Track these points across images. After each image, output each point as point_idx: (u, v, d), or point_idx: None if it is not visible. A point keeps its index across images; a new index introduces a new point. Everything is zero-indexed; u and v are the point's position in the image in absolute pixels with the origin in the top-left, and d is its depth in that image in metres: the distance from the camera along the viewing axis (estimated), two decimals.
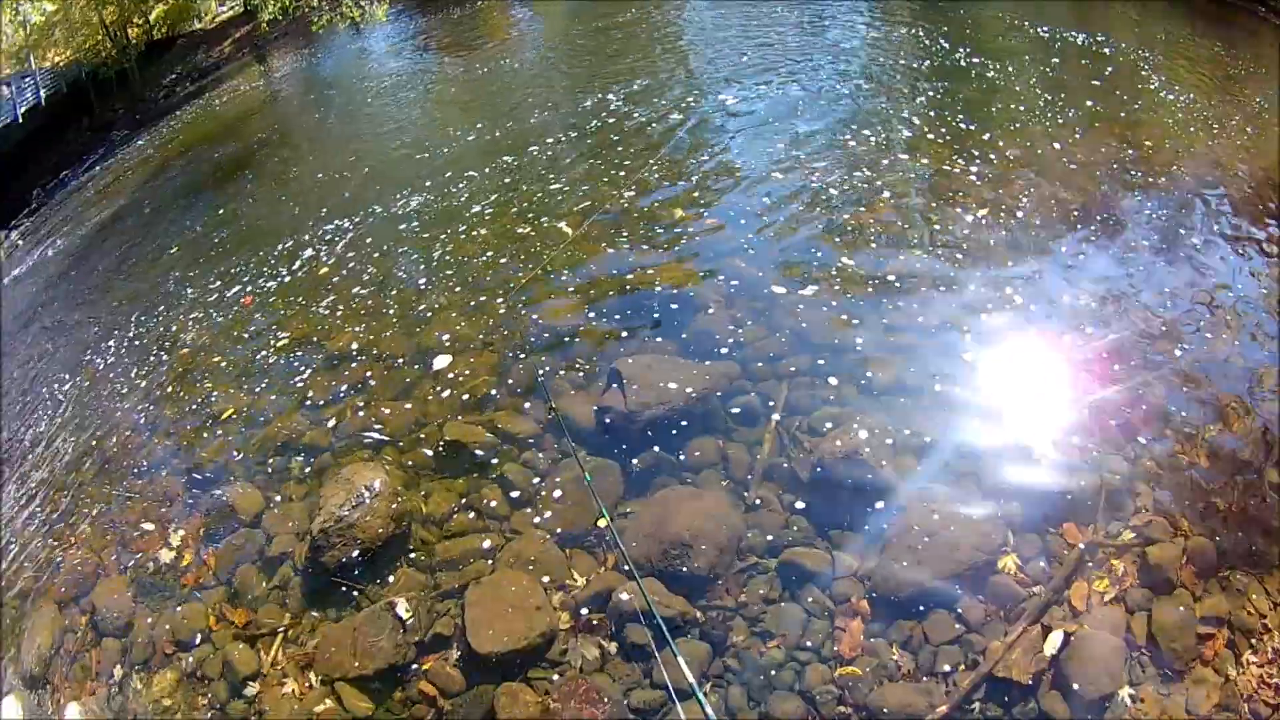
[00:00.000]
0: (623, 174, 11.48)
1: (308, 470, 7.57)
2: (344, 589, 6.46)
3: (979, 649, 5.76)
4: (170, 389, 9.22)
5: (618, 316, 8.58)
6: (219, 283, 11.25)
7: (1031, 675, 5.57)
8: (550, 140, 13.28)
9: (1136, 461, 6.77)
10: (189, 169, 17.53)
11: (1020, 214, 9.77)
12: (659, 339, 8.16)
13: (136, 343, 10.80)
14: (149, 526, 7.51)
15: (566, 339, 8.38)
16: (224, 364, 9.35)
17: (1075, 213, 9.87)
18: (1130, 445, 6.86)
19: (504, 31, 21.86)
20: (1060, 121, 12.44)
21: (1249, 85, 15.12)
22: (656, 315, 8.44)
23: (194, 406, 8.82)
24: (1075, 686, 5.48)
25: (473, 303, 9.21)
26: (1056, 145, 11.45)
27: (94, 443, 8.88)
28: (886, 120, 12.65)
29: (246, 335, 9.73)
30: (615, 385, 7.36)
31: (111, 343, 11.06)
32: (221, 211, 14.18)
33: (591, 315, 8.65)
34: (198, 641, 6.55)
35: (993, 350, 7.77)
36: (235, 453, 8.02)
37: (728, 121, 13.13)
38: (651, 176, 11.30)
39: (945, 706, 5.50)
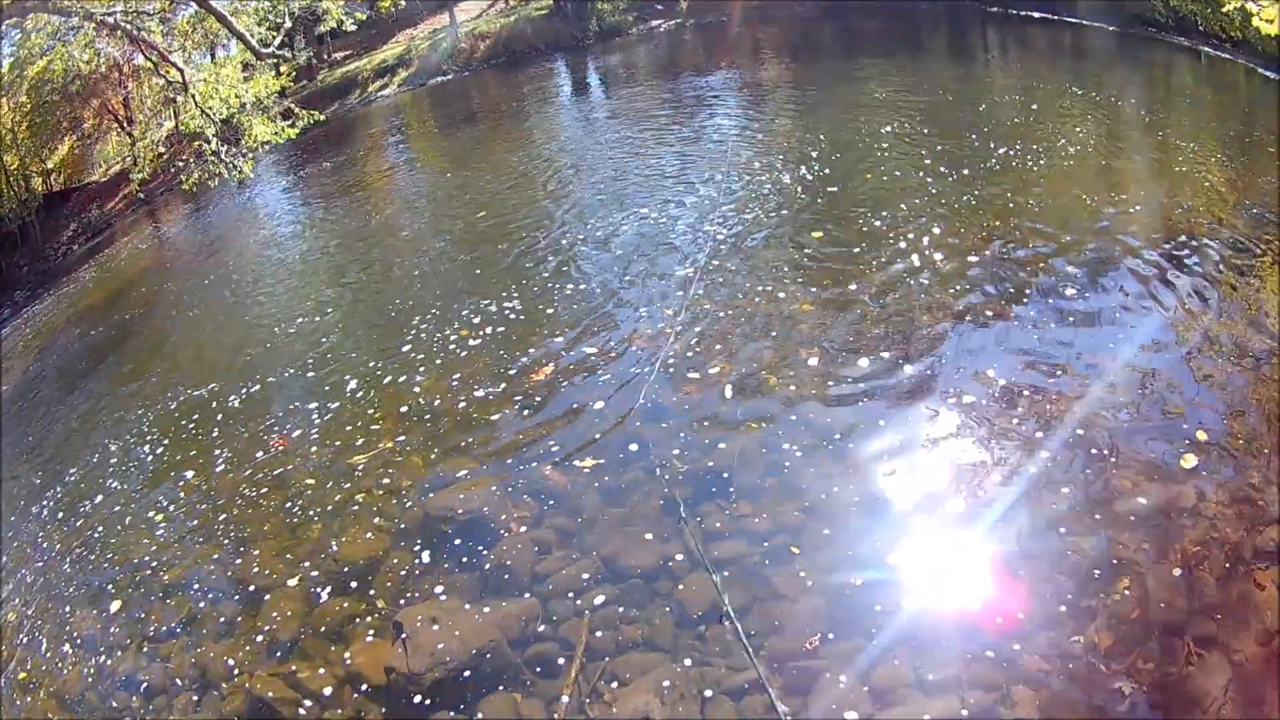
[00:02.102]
0: (449, 358, 11.26)
1: (148, 710, 7.46)
2: None
3: None
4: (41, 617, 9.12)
5: (416, 548, 8.17)
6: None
7: None
8: (395, 320, 13.02)
9: (1013, 664, 6.13)
10: (87, 338, 17.79)
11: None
12: (454, 575, 7.74)
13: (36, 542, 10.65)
14: None
15: (366, 576, 8.00)
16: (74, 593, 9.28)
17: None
18: (1004, 644, 6.26)
19: (379, 181, 22.53)
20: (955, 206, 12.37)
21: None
22: (453, 546, 8.00)
23: (62, 632, 8.75)
24: None
25: (291, 529, 8.95)
26: (939, 255, 11.13)
27: None
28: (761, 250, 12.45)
29: (98, 567, 9.57)
30: (400, 640, 6.93)
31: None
32: (115, 392, 14.29)
33: (391, 548, 8.27)
34: None
35: (831, 547, 7.25)
36: (90, 679, 7.95)
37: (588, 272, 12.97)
38: (476, 359, 11.10)
39: None
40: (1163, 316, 9.33)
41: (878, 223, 12.32)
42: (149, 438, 11.93)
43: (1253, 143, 13.87)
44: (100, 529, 10.12)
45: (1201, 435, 7.60)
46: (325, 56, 33.75)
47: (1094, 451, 7.62)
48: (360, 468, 9.51)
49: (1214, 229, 10.89)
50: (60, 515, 10.79)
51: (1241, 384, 8.25)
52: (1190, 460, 7.35)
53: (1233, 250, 10.32)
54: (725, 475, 8.08)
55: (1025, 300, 9.92)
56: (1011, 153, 14.29)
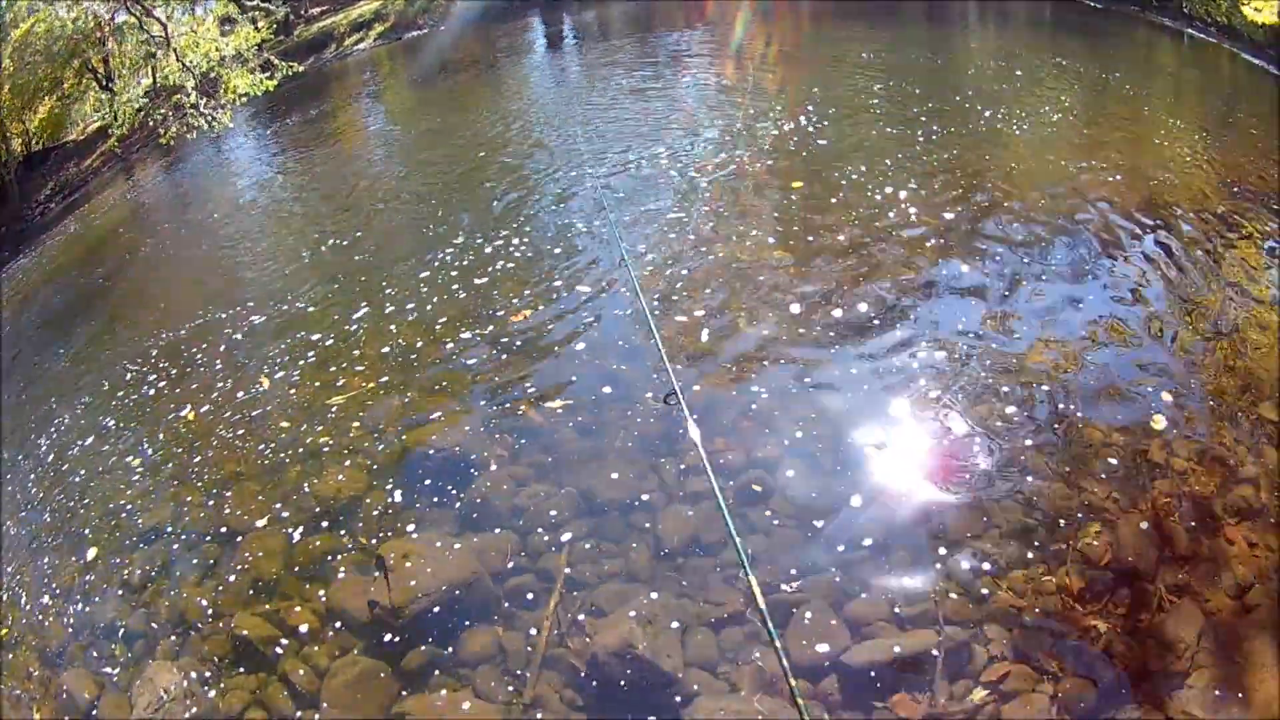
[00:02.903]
0: (431, 304, 11.25)
1: (129, 656, 7.49)
2: None
3: None
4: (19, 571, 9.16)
5: (393, 485, 8.23)
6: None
7: None
8: (377, 264, 13.11)
9: (987, 601, 6.22)
10: (63, 295, 17.74)
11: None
12: (435, 510, 7.80)
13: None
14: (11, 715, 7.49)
15: (344, 514, 8.05)
16: (58, 544, 9.27)
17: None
18: (978, 581, 6.35)
19: (359, 130, 22.56)
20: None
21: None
22: (430, 482, 8.05)
23: (41, 584, 8.78)
24: None
25: (270, 469, 9.01)
26: (915, 210, 11.23)
27: None
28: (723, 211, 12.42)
29: (74, 514, 9.58)
30: (380, 574, 7.01)
31: None
32: (102, 338, 14.32)
33: (372, 485, 8.32)
34: None
35: (803, 485, 7.34)
36: (72, 630, 7.99)
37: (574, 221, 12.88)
38: (460, 302, 11.09)
39: None
40: (1134, 281, 9.40)
41: (856, 175, 12.43)
42: (111, 390, 11.97)
43: (1234, 123, 13.94)
44: (82, 473, 10.14)
45: (1167, 396, 7.69)
46: (302, 12, 33.50)
47: (1060, 407, 7.72)
48: (338, 408, 9.52)
49: (1190, 201, 10.94)
50: (49, 461, 10.80)
51: (1210, 350, 8.34)
52: (1160, 421, 7.43)
53: (1207, 222, 10.38)
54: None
55: (999, 258, 9.98)
56: (996, 116, 14.35)
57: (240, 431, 9.75)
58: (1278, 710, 5.49)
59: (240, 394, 10.43)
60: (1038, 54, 19.06)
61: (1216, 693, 5.64)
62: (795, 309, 9.55)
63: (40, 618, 8.29)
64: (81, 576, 8.54)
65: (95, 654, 7.62)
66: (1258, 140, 12.80)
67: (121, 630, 7.73)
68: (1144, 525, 6.63)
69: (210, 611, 7.56)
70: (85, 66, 27.62)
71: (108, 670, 7.39)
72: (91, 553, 8.78)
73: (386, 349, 10.41)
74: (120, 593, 8.18)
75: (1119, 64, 17.77)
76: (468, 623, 6.76)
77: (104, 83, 27.53)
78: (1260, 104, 14.71)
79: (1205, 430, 7.46)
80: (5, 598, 8.77)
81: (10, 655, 8.02)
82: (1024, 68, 17.72)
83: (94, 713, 7.06)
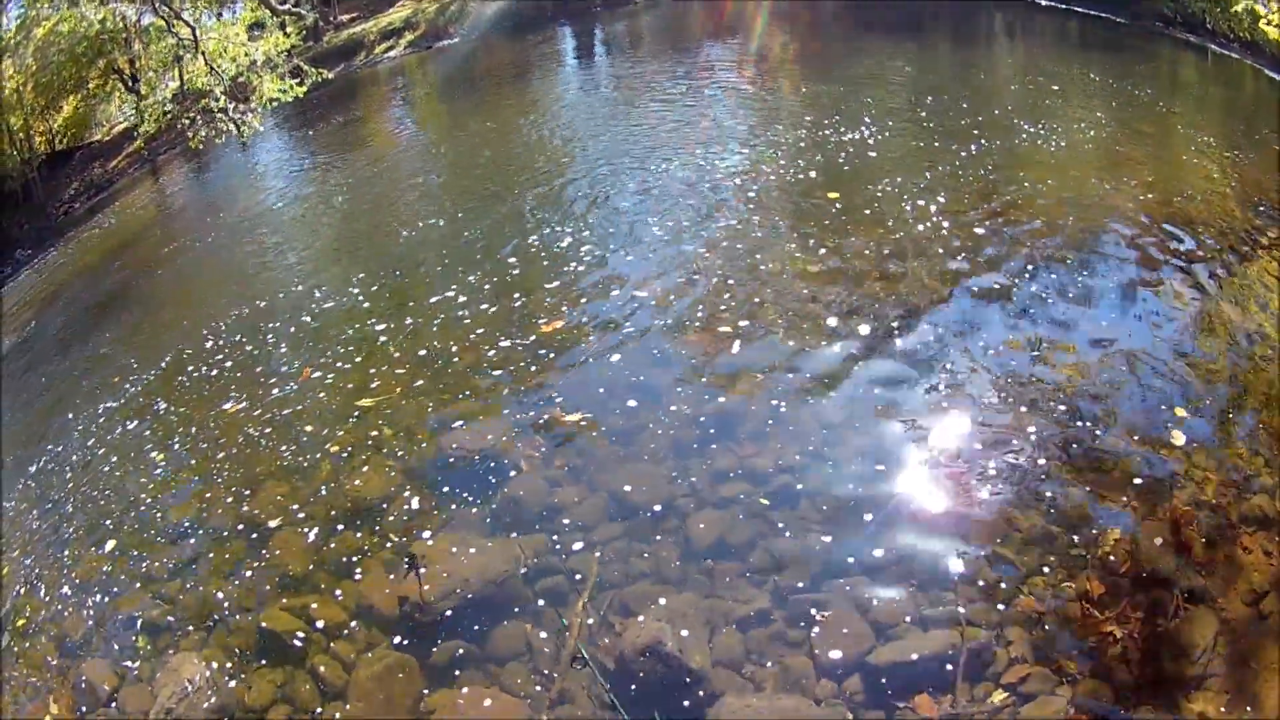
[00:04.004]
0: (466, 308, 11.36)
1: (150, 648, 7.51)
2: None
3: None
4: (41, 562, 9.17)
5: (426, 486, 8.34)
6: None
7: None
8: (409, 270, 13.32)
9: (1009, 604, 6.33)
10: (98, 288, 17.85)
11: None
12: (465, 510, 7.92)
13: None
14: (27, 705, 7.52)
15: (376, 512, 8.13)
16: (75, 532, 9.35)
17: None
18: (1000, 585, 6.45)
19: (391, 137, 22.69)
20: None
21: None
22: (465, 482, 8.20)
23: (62, 575, 8.80)
24: None
25: (298, 468, 9.08)
26: (946, 224, 11.32)
27: None
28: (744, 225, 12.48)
29: (100, 503, 9.67)
30: (410, 571, 7.11)
31: None
32: (127, 340, 14.38)
33: (402, 485, 8.41)
34: None
35: (829, 491, 7.44)
36: (93, 622, 8.00)
37: (593, 236, 12.95)
38: (498, 309, 11.17)
39: None
40: (1156, 296, 9.52)
41: (891, 188, 12.56)
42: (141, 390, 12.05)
43: (1259, 140, 13.98)
44: (108, 467, 10.24)
45: (1185, 410, 7.81)
46: (332, 19, 33.63)
47: (1080, 424, 7.82)
48: (373, 408, 9.63)
49: (1214, 217, 11.06)
50: (76, 455, 10.87)
51: (1231, 365, 8.46)
52: (1179, 437, 7.52)
53: (1229, 238, 10.50)
54: (727, 422, 8.29)
55: (1027, 274, 10.08)
56: (1036, 131, 14.46)
57: (269, 430, 9.88)
58: None
59: (276, 391, 10.57)
60: (1069, 70, 19.14)
61: (1230, 697, 5.73)
62: (825, 321, 9.68)
63: (60, 608, 8.37)
64: (104, 569, 8.63)
65: (116, 646, 7.69)
66: (1278, 156, 12.86)
67: (148, 623, 7.79)
68: (1162, 534, 6.72)
69: (240, 605, 7.62)
70: (111, 67, 27.78)
71: (129, 663, 7.45)
72: (110, 544, 8.90)
73: (423, 351, 10.53)
74: (144, 586, 8.25)
75: (1147, 80, 17.87)
76: (497, 620, 6.86)
77: (130, 84, 27.68)
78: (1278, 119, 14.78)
79: (1222, 442, 7.57)
80: (21, 590, 8.86)
81: (28, 644, 8.10)
82: (1059, 84, 17.81)
83: (114, 703, 7.12)
